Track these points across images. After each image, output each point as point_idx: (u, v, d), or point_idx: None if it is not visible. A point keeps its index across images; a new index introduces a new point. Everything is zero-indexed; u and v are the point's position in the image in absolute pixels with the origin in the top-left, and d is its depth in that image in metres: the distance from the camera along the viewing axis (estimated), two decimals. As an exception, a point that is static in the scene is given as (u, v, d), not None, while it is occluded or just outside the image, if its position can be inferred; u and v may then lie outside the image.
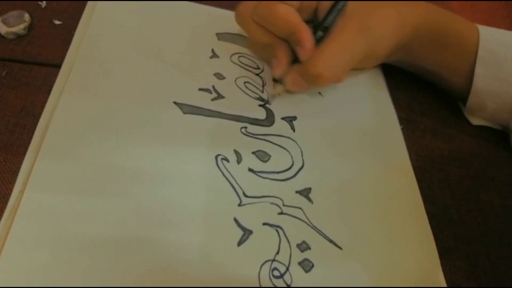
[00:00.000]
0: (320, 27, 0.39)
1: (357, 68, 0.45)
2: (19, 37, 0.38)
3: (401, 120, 0.44)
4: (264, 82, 0.42)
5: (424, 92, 0.48)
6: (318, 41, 0.38)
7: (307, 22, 0.40)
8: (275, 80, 0.41)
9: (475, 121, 0.47)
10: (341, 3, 0.38)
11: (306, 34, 0.37)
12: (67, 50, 0.38)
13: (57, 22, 0.40)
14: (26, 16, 0.39)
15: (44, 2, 0.42)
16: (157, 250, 0.29)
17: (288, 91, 0.41)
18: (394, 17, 0.41)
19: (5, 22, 0.38)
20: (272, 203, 0.34)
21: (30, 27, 0.39)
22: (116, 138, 0.34)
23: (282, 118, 0.40)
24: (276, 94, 0.41)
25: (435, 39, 0.43)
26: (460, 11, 0.58)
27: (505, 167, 0.44)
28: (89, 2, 0.42)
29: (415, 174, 0.40)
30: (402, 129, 0.43)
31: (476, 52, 0.43)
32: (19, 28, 0.38)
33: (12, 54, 0.37)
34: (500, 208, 0.41)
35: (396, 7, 0.41)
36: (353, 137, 0.41)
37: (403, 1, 0.42)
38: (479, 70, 0.43)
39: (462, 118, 0.47)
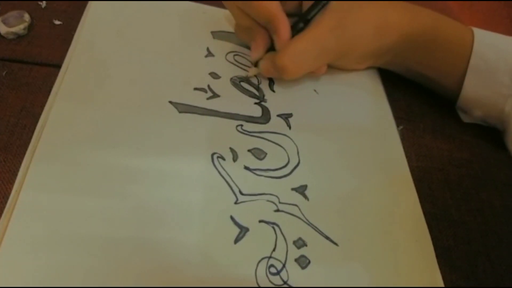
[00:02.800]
0: (302, 19, 0.39)
1: (339, 67, 0.45)
2: (19, 37, 0.39)
3: (401, 120, 0.44)
4: (259, 81, 0.42)
5: (423, 92, 0.48)
6: (298, 32, 0.39)
7: (293, 15, 0.40)
8: (252, 64, 0.42)
9: (466, 119, 0.47)
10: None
11: (282, 24, 0.38)
12: (67, 50, 0.38)
13: (57, 22, 0.41)
14: (26, 16, 0.39)
15: (44, 2, 0.42)
16: (154, 249, 0.29)
17: (262, 76, 0.42)
18: (377, 17, 0.41)
19: (5, 22, 0.38)
20: (268, 200, 0.34)
21: (30, 27, 0.39)
22: (112, 137, 0.34)
23: (278, 116, 0.40)
24: (250, 75, 0.41)
25: (424, 43, 0.43)
26: (460, 11, 0.58)
27: (505, 167, 0.44)
28: (89, 2, 0.42)
29: (415, 174, 0.40)
30: (402, 129, 0.43)
31: (468, 58, 0.42)
32: (19, 28, 0.38)
33: (12, 54, 0.37)
34: (500, 208, 0.40)
35: (381, 7, 0.41)
36: (349, 134, 0.41)
37: (391, 1, 0.42)
38: (469, 79, 0.43)
39: (462, 118, 0.47)
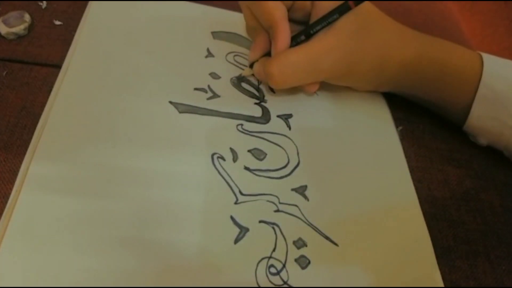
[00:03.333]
0: (305, 32, 0.38)
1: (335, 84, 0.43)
2: (19, 37, 0.39)
3: (401, 120, 0.44)
4: (259, 81, 0.42)
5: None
6: (298, 43, 0.38)
7: (301, 23, 0.40)
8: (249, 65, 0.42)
9: (473, 139, 0.45)
10: (333, 17, 0.37)
11: (282, 32, 0.37)
12: (67, 50, 0.38)
13: (57, 22, 0.41)
14: (27, 17, 0.39)
15: (44, 2, 0.42)
16: (154, 249, 0.29)
17: (254, 77, 0.41)
18: (380, 49, 0.39)
19: (5, 23, 0.38)
20: (268, 200, 0.34)
21: (30, 28, 0.39)
22: (112, 138, 0.34)
23: (278, 116, 0.40)
24: (244, 75, 0.41)
25: (427, 73, 0.41)
26: (460, 11, 0.58)
27: (504, 167, 0.44)
28: (89, 2, 0.42)
29: (415, 174, 0.40)
30: (401, 129, 0.43)
31: (477, 86, 0.41)
32: (20, 29, 0.38)
33: (13, 55, 0.37)
34: (499, 208, 0.40)
35: (387, 38, 0.40)
36: (348, 134, 0.41)
37: (399, 29, 0.41)
38: (476, 109, 0.41)
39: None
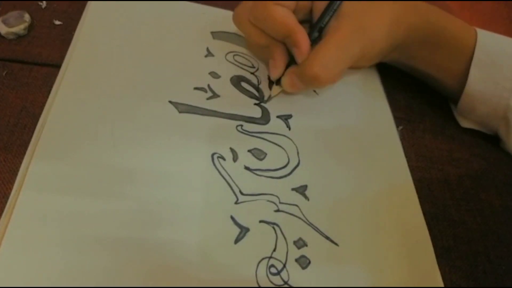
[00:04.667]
0: (316, 27, 0.39)
1: (352, 67, 0.44)
2: (19, 37, 0.39)
3: (401, 120, 0.44)
4: (259, 81, 0.42)
5: (423, 92, 0.48)
6: (314, 41, 0.38)
7: (302, 22, 0.40)
8: (272, 81, 0.41)
9: (465, 123, 0.47)
10: (336, 3, 0.38)
11: (301, 36, 0.37)
12: (67, 50, 0.38)
13: (57, 22, 0.41)
14: (26, 17, 0.39)
15: (44, 2, 0.42)
16: (154, 249, 0.29)
17: (285, 92, 0.41)
18: (389, 17, 0.41)
19: (5, 23, 0.38)
20: (268, 200, 0.34)
21: (30, 28, 0.39)
22: (112, 138, 0.34)
23: (278, 117, 0.40)
24: (274, 95, 0.41)
25: (429, 39, 0.43)
26: (460, 11, 0.58)
27: (504, 167, 0.44)
28: (89, 2, 0.42)
29: (415, 174, 0.40)
30: (402, 129, 0.43)
31: (472, 55, 0.42)
32: (19, 29, 0.38)
33: (12, 54, 0.37)
34: (500, 208, 0.40)
35: (391, 6, 0.41)
36: (348, 134, 0.41)
37: (398, 0, 0.42)
38: (474, 72, 0.43)
39: (462, 118, 0.47)
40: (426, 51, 0.44)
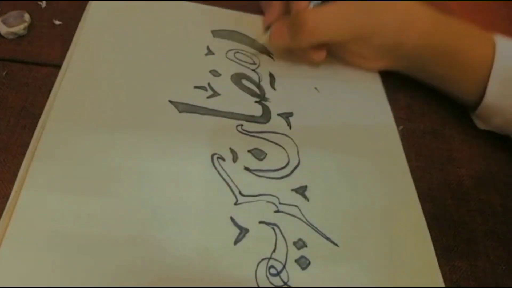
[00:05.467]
0: None
1: (355, 57, 0.45)
2: (19, 37, 0.39)
3: (401, 120, 0.44)
4: (260, 78, 0.42)
5: (423, 92, 0.48)
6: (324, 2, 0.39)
7: None
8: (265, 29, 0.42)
9: (482, 126, 0.46)
10: None
11: None
12: (67, 50, 0.38)
13: (57, 22, 0.41)
14: (26, 16, 0.39)
15: (44, 2, 0.42)
16: (154, 250, 0.29)
17: (268, 45, 0.42)
18: (404, 11, 0.41)
19: (5, 22, 0.38)
20: (268, 201, 0.34)
21: (30, 27, 0.39)
22: (112, 137, 0.34)
23: (279, 115, 0.40)
24: (259, 40, 0.42)
25: (444, 51, 0.42)
26: (461, 11, 0.57)
27: (505, 167, 0.44)
28: (89, 2, 0.42)
29: (415, 174, 0.40)
30: (402, 129, 0.43)
31: (490, 67, 0.41)
32: (19, 28, 0.38)
33: (12, 54, 0.37)
34: (500, 208, 0.40)
35: (409, 7, 0.41)
36: (349, 134, 0.41)
37: (418, 4, 0.42)
38: (492, 87, 0.41)
39: (462, 118, 0.47)
40: (440, 64, 0.43)
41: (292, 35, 0.40)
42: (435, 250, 0.35)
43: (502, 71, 0.41)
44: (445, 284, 0.34)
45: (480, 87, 0.42)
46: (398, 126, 0.43)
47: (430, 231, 0.36)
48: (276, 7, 0.40)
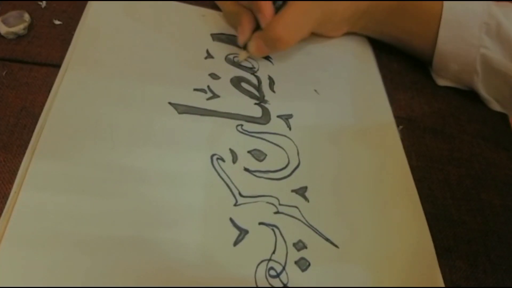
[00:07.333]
0: None
1: (321, 34, 0.47)
2: (19, 37, 0.38)
3: (401, 120, 0.44)
4: (259, 81, 0.42)
5: (424, 92, 0.48)
6: (278, 9, 0.41)
7: None
8: (242, 48, 0.43)
9: (441, 81, 0.50)
10: None
11: (264, 3, 0.40)
12: (67, 50, 0.38)
13: (57, 22, 0.41)
14: (26, 16, 0.39)
15: (44, 2, 0.42)
16: (154, 250, 0.29)
17: (252, 57, 0.43)
18: None
19: (5, 22, 0.38)
20: (268, 202, 0.34)
21: (30, 27, 0.39)
22: (112, 138, 0.34)
23: (278, 116, 0.40)
24: (241, 59, 0.43)
25: (396, 6, 0.45)
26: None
27: (505, 167, 0.44)
28: (89, 2, 0.42)
29: (415, 174, 0.40)
30: (402, 129, 0.43)
31: (440, 18, 0.45)
32: (19, 28, 0.38)
33: (12, 54, 0.37)
34: (500, 208, 0.40)
35: None
36: (349, 134, 0.41)
37: None
38: (442, 33, 0.45)
39: (462, 118, 0.47)
40: (393, 17, 0.46)
41: (271, 48, 0.42)
42: (435, 250, 0.35)
43: (450, 17, 0.45)
44: (445, 284, 0.34)
45: (433, 37, 0.47)
46: (398, 126, 0.43)
47: (430, 231, 0.36)
48: (246, 25, 0.42)
